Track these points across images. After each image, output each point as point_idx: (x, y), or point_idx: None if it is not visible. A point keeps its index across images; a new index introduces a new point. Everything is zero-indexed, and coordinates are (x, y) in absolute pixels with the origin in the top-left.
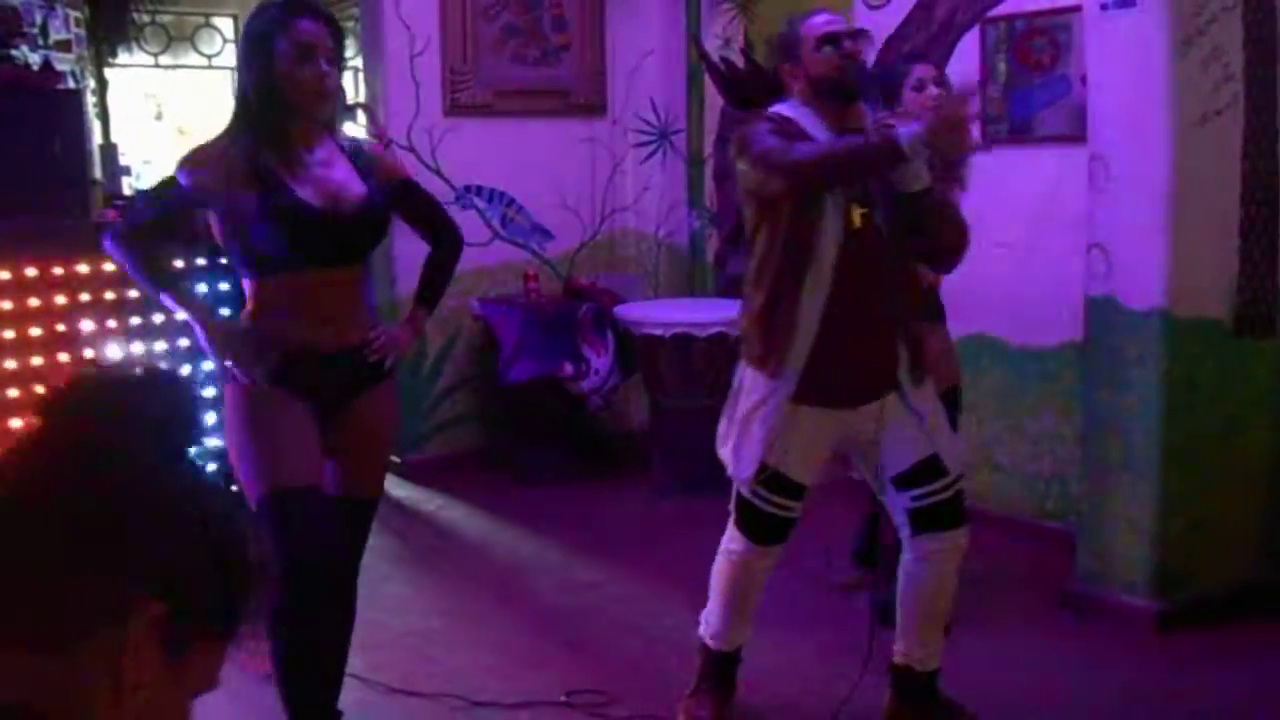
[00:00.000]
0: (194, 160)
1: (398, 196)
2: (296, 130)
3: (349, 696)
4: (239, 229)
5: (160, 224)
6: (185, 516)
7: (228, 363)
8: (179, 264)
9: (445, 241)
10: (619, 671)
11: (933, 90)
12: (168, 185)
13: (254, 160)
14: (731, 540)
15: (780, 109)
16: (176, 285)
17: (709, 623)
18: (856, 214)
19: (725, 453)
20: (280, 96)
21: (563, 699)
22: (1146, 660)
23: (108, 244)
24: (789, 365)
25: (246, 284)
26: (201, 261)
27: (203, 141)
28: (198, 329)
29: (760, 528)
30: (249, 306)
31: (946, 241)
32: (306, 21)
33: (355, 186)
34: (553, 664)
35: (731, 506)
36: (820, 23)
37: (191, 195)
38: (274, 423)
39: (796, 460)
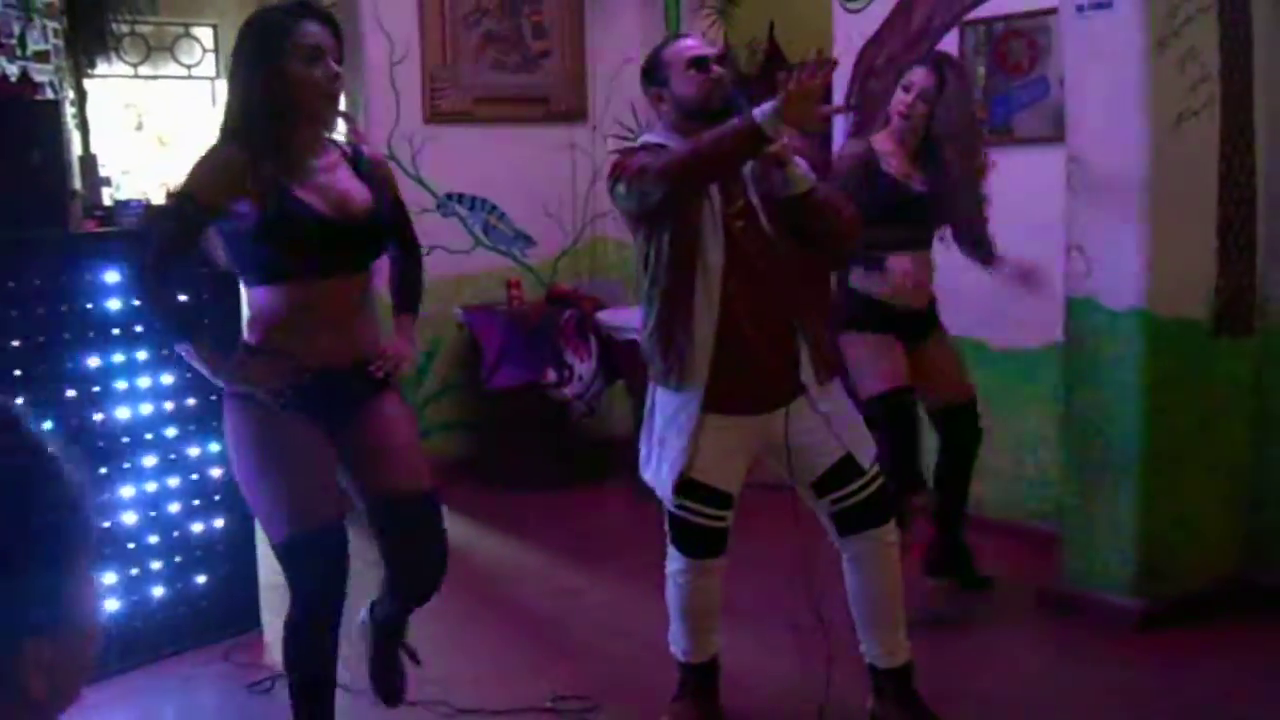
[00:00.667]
0: (198, 176)
1: (393, 210)
2: (301, 136)
3: (335, 705)
4: (245, 239)
5: (179, 250)
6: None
7: (243, 387)
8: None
9: (413, 256)
10: (603, 677)
11: (904, 96)
12: (179, 205)
13: (256, 168)
14: (671, 560)
15: (649, 137)
16: (195, 334)
17: (675, 640)
18: (735, 226)
19: (648, 475)
20: (289, 100)
21: (548, 705)
22: (1130, 658)
23: (134, 279)
24: (692, 378)
25: (253, 295)
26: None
27: (200, 155)
28: (205, 369)
29: (693, 541)
30: (255, 318)
31: (830, 235)
32: (312, 24)
33: (361, 193)
34: (537, 670)
35: (666, 526)
36: (686, 46)
37: (203, 213)
38: (292, 453)
39: (715, 469)
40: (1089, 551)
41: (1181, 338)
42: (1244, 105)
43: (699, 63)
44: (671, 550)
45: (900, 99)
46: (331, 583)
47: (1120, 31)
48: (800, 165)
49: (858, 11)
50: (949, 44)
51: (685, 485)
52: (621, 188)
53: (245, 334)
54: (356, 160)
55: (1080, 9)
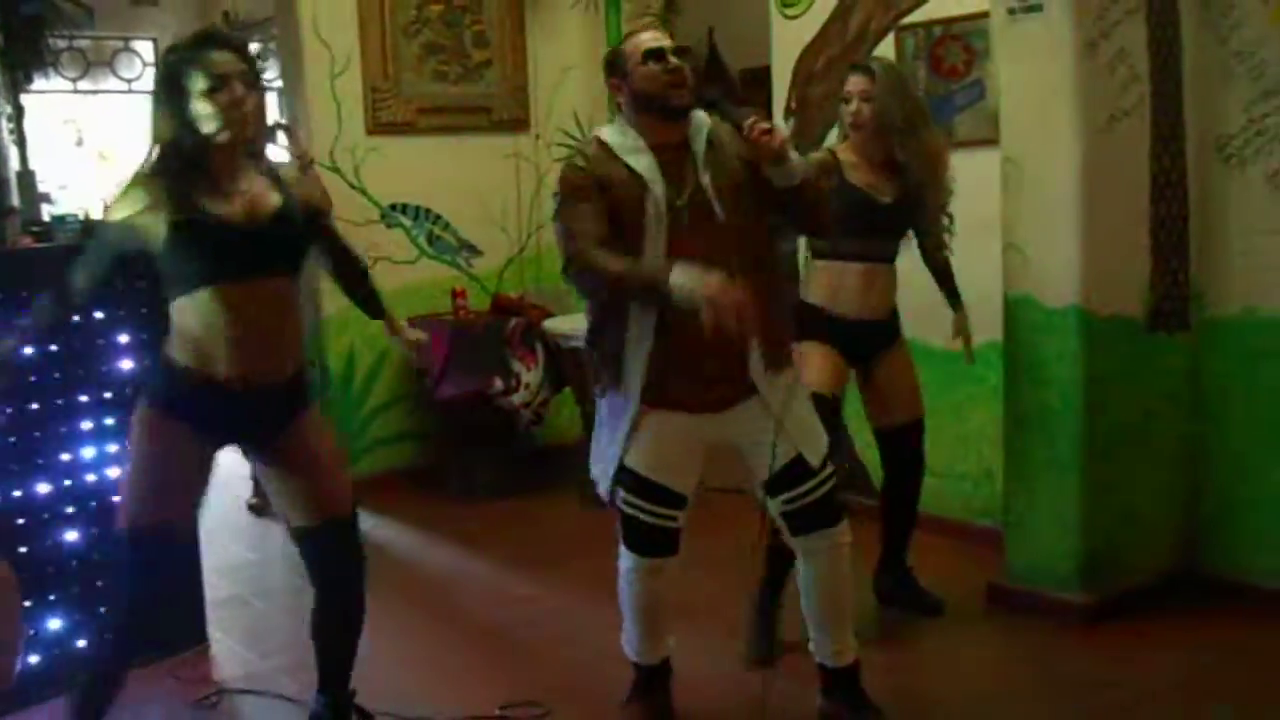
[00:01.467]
0: (112, 206)
1: (310, 218)
2: (215, 161)
3: (280, 719)
4: (162, 258)
5: (91, 277)
6: None
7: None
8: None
9: (350, 264)
10: (555, 684)
11: (847, 107)
12: (90, 232)
13: (170, 194)
14: (622, 558)
15: (603, 133)
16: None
17: (628, 641)
18: (680, 216)
19: (596, 472)
20: (193, 127)
21: (497, 712)
22: (1076, 652)
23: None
24: (627, 379)
25: (174, 310)
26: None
27: (124, 180)
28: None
29: (641, 539)
30: (178, 334)
31: (815, 220)
32: (215, 53)
33: (272, 199)
34: (488, 678)
35: (619, 528)
36: (645, 38)
37: (111, 240)
38: (163, 458)
39: (662, 466)
40: (1033, 548)
41: (1118, 334)
42: (1174, 105)
43: (654, 54)
44: (622, 548)
45: (846, 111)
46: (150, 588)
47: (1050, 33)
48: (794, 156)
49: (796, 18)
50: (885, 48)
51: (633, 483)
52: (570, 273)
53: (172, 352)
54: (274, 175)
55: (1011, 11)
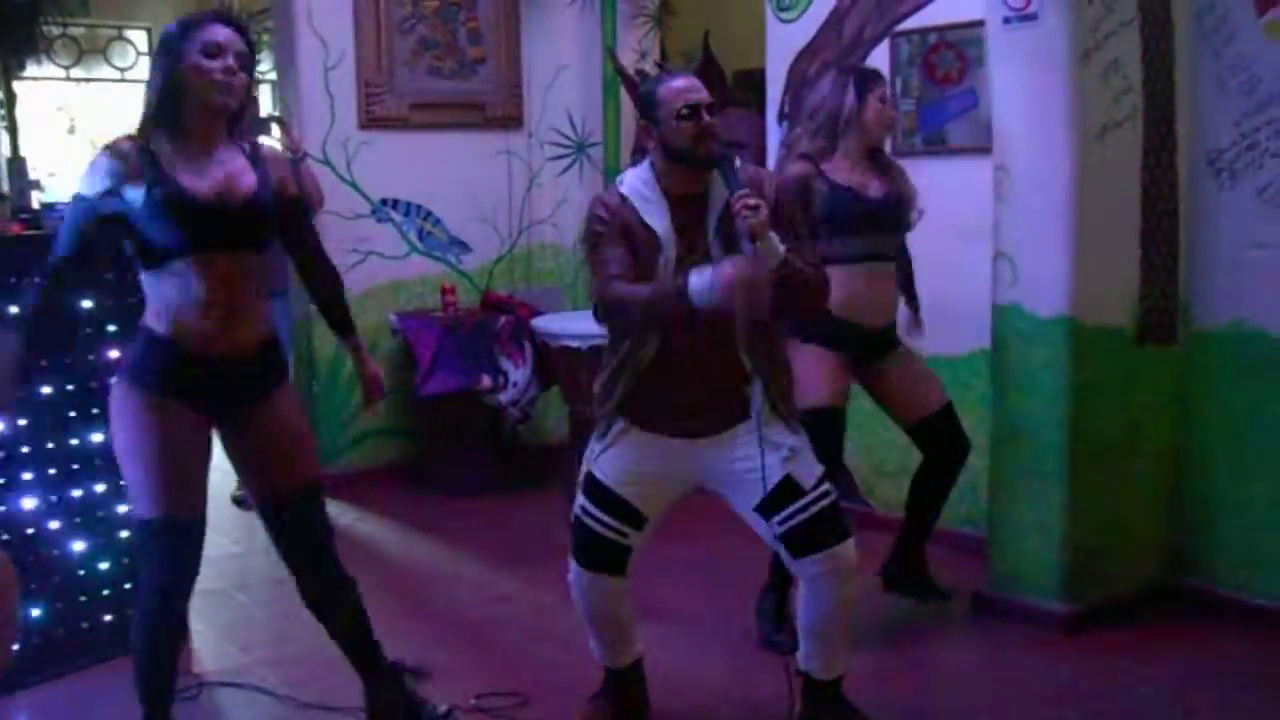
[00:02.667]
0: (86, 173)
1: (285, 207)
2: (194, 124)
3: (260, 712)
4: (135, 227)
5: (75, 252)
6: None
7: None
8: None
9: (332, 272)
10: (534, 679)
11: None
12: (71, 205)
13: (146, 153)
14: (569, 571)
15: (627, 183)
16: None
17: (593, 646)
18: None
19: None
20: (184, 88)
21: (472, 702)
22: (1059, 662)
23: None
24: (618, 399)
25: (148, 283)
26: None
27: (101, 146)
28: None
29: (588, 550)
30: (152, 306)
31: (798, 308)
32: (218, 26)
33: (247, 178)
34: (468, 674)
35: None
36: (681, 89)
37: (91, 207)
38: (169, 440)
39: (630, 482)
40: (1017, 556)
41: (1106, 345)
42: (1166, 117)
43: (691, 111)
44: (571, 560)
45: (888, 111)
46: (185, 572)
47: (1045, 43)
48: (772, 239)
49: (791, 22)
50: (880, 54)
51: (594, 490)
52: (600, 315)
53: (150, 322)
54: (254, 155)
55: (1007, 21)
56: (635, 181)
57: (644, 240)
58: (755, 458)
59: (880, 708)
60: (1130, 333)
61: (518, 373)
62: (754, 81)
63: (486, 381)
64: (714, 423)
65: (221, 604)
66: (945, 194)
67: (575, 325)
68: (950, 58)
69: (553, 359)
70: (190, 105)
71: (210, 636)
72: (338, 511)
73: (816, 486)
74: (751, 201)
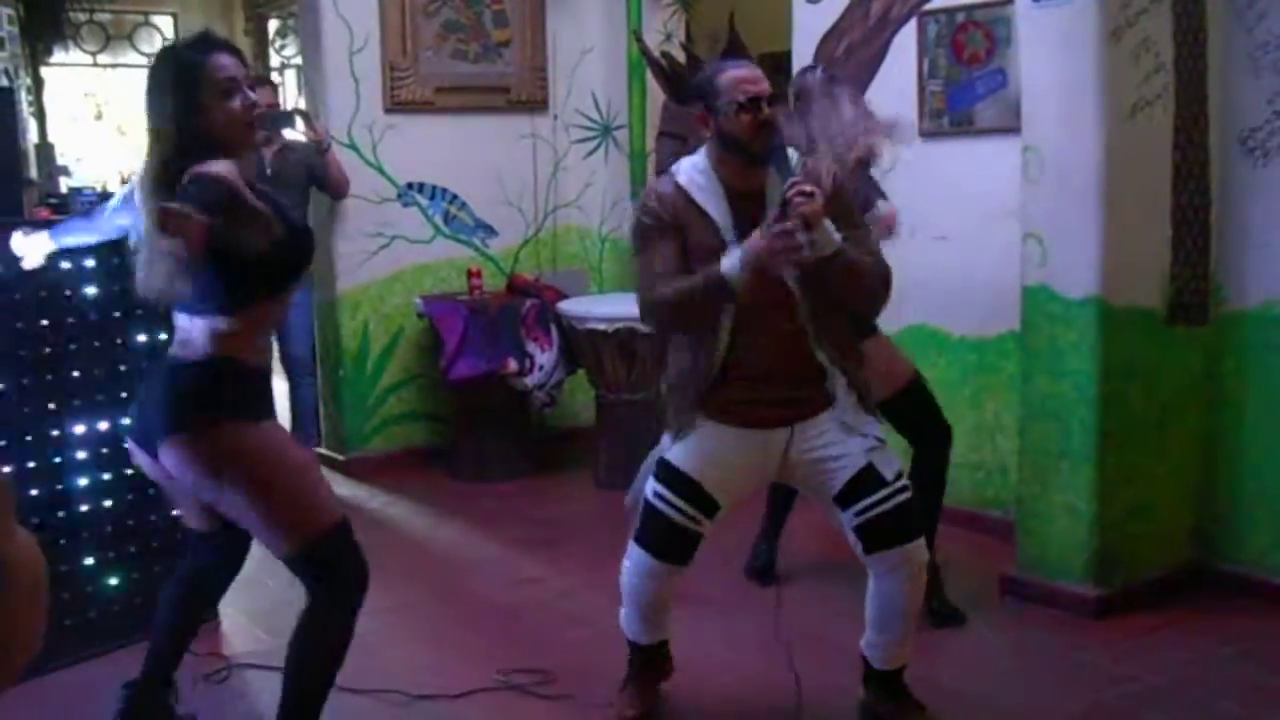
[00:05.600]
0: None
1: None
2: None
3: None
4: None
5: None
6: None
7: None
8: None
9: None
10: (559, 658)
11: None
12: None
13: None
14: (630, 554)
15: (683, 172)
16: None
17: (627, 623)
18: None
19: (629, 500)
20: (209, 137)
21: (498, 678)
22: (1087, 645)
23: None
24: (690, 401)
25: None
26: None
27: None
28: None
29: (657, 534)
30: (228, 341)
31: (856, 300)
32: (222, 56)
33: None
34: (494, 657)
35: (636, 523)
36: (740, 79)
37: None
38: (294, 458)
39: (708, 469)
40: (1046, 539)
41: (1136, 326)
42: (1197, 95)
43: (753, 103)
44: (632, 545)
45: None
46: (364, 563)
47: (1075, 22)
48: (827, 227)
49: (817, 3)
50: (907, 34)
51: (668, 475)
52: (647, 320)
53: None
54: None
55: (1036, 0)
56: (691, 171)
57: (701, 230)
58: (836, 445)
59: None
60: (1161, 314)
61: (544, 356)
62: (780, 64)
63: (513, 365)
64: (793, 413)
65: (250, 589)
66: (973, 175)
67: (601, 308)
68: (978, 37)
69: (579, 342)
70: (215, 149)
71: (240, 621)
72: (365, 495)
73: (896, 479)
74: (806, 188)
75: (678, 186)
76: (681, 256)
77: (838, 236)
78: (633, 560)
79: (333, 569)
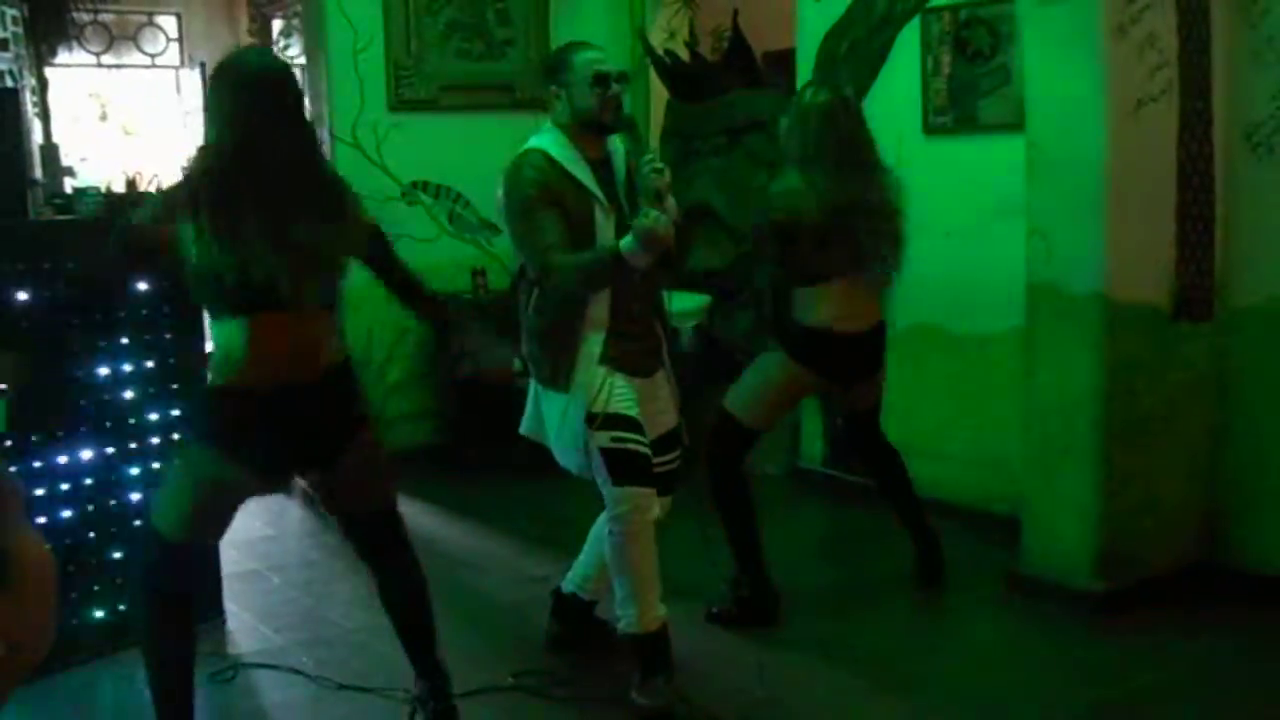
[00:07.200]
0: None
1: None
2: None
3: (296, 693)
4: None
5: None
6: None
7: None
8: None
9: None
10: (570, 658)
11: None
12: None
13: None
14: (616, 503)
15: (546, 146)
16: None
17: (627, 611)
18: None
19: (561, 456)
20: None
21: (510, 680)
22: (1091, 642)
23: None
24: (587, 360)
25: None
26: None
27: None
28: None
29: (636, 468)
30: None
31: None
32: (286, 76)
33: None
34: (501, 655)
35: (604, 478)
36: (591, 60)
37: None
38: (214, 493)
39: (619, 402)
40: (1051, 535)
41: (1141, 322)
42: (1202, 91)
43: (601, 80)
44: (615, 493)
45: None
46: (180, 584)
47: (1079, 18)
48: (671, 203)
49: (821, 0)
50: (911, 31)
51: (613, 419)
52: (553, 281)
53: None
54: None
55: None
56: (552, 145)
57: (576, 198)
58: (664, 399)
59: (915, 685)
60: (1166, 310)
61: None
62: (784, 62)
63: (517, 363)
64: (650, 366)
65: (256, 587)
66: (977, 172)
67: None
68: (982, 34)
69: None
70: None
71: (245, 619)
72: None
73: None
74: (659, 165)
75: (550, 159)
76: (563, 224)
77: (673, 209)
78: (621, 506)
79: (153, 564)
